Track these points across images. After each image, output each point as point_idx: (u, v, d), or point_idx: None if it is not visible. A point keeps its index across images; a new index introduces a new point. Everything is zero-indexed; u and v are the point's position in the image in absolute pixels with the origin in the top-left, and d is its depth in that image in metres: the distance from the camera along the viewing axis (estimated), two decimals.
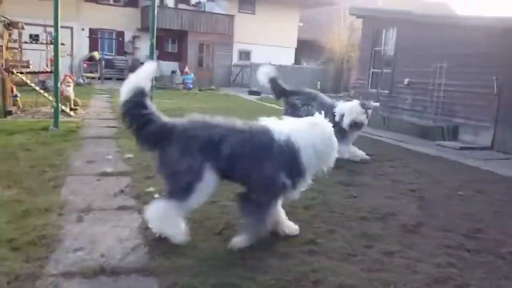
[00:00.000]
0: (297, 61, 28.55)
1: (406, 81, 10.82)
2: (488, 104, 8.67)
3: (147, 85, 3.09)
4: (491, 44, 8.54)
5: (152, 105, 3.14)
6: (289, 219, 3.75)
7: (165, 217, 3.07)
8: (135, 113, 3.05)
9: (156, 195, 4.15)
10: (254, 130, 3.12)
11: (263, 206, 3.09)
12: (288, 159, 3.01)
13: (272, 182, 3.02)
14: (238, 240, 3.07)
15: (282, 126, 3.13)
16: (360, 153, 6.42)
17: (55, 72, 7.50)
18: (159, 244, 3.10)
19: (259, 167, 3.02)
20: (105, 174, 4.88)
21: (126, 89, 3.04)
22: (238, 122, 3.16)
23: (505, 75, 8.32)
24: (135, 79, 3.06)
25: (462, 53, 9.20)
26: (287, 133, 3.05)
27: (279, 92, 6.79)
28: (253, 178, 3.06)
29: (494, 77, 8.43)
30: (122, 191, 4.32)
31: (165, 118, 3.14)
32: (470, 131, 9.08)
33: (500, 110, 8.42)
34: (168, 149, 3.02)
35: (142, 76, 3.08)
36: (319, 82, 23.24)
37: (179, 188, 3.02)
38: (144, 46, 23.88)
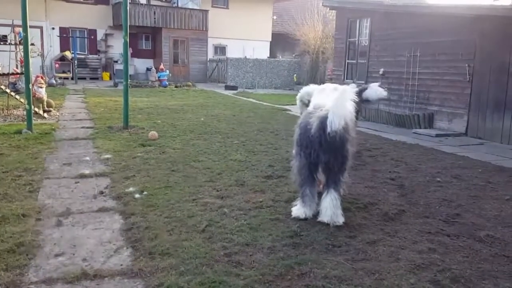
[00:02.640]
0: (272, 54, 28.53)
1: (381, 71, 10.95)
2: (461, 91, 8.86)
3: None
4: (463, 32, 8.71)
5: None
6: (272, 213, 3.78)
7: (339, 207, 3.58)
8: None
9: (137, 195, 4.10)
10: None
11: None
12: None
13: None
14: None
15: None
16: None
17: (26, 73, 7.30)
18: (142, 245, 3.06)
19: None
20: (83, 176, 4.79)
21: None
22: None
23: (476, 62, 8.51)
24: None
25: (435, 42, 9.37)
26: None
27: None
28: None
29: (467, 65, 8.62)
30: (101, 193, 4.24)
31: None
32: (445, 118, 9.27)
33: (473, 96, 8.62)
34: (348, 147, 3.58)
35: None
36: (295, 75, 23.31)
37: (344, 180, 3.67)
38: (117, 44, 23.46)
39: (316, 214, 3.65)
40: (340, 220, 3.54)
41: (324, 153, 3.53)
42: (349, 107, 3.39)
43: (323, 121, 3.42)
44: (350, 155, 3.67)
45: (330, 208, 3.53)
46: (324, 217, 3.55)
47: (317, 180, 3.77)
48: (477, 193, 4.63)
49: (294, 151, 3.89)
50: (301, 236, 3.30)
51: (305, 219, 3.61)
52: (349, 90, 3.40)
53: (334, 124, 3.31)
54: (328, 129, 3.35)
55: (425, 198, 4.40)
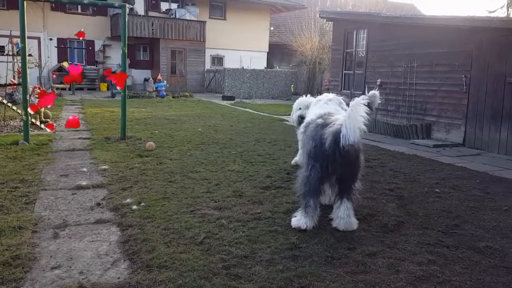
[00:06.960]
0: (269, 65, 28.68)
1: (378, 81, 10.99)
2: (458, 102, 8.90)
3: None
4: (459, 43, 8.78)
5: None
6: (270, 224, 3.75)
7: (352, 215, 3.72)
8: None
9: (135, 207, 4.07)
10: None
11: None
12: None
13: None
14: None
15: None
16: None
17: (23, 84, 7.29)
18: (139, 257, 3.03)
19: None
20: (80, 188, 4.76)
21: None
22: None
23: (473, 73, 8.56)
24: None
25: (431, 53, 9.43)
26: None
27: None
28: None
29: (463, 76, 8.67)
30: (98, 204, 4.21)
31: None
32: (443, 129, 9.29)
33: (470, 107, 8.66)
34: (361, 157, 3.78)
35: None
36: (292, 85, 23.39)
37: (356, 188, 3.80)
38: (115, 54, 23.54)
39: (316, 226, 3.64)
40: (355, 226, 3.70)
41: (340, 166, 3.60)
42: (362, 120, 3.39)
43: (337, 135, 3.44)
44: (362, 164, 3.82)
45: (345, 217, 3.67)
46: (339, 225, 3.67)
47: (322, 192, 3.82)
48: (475, 204, 4.62)
49: (302, 162, 3.92)
50: (300, 248, 3.27)
51: (305, 230, 3.59)
52: (362, 103, 3.38)
53: (349, 138, 3.34)
54: (342, 143, 3.37)
55: (424, 209, 4.39)
